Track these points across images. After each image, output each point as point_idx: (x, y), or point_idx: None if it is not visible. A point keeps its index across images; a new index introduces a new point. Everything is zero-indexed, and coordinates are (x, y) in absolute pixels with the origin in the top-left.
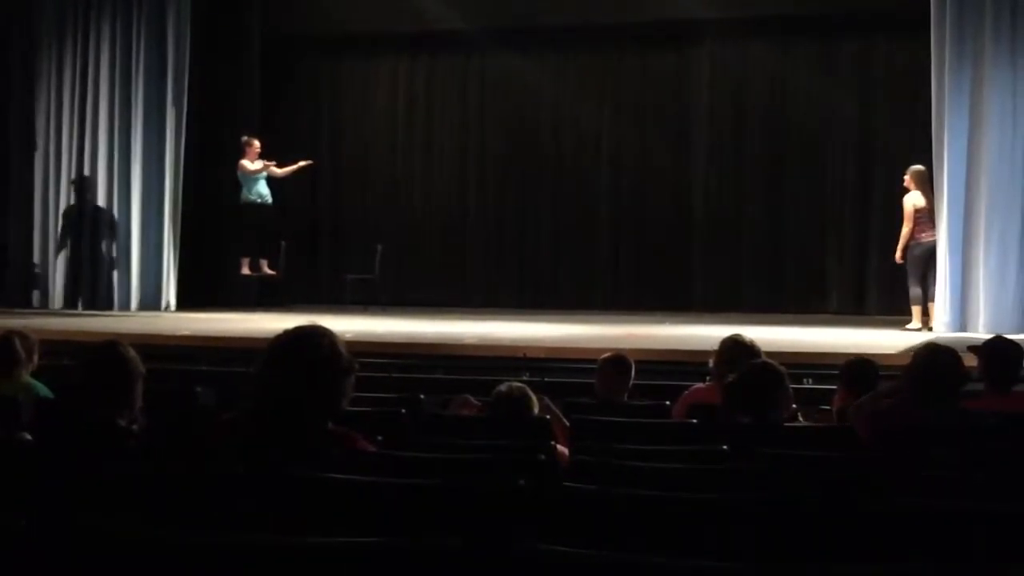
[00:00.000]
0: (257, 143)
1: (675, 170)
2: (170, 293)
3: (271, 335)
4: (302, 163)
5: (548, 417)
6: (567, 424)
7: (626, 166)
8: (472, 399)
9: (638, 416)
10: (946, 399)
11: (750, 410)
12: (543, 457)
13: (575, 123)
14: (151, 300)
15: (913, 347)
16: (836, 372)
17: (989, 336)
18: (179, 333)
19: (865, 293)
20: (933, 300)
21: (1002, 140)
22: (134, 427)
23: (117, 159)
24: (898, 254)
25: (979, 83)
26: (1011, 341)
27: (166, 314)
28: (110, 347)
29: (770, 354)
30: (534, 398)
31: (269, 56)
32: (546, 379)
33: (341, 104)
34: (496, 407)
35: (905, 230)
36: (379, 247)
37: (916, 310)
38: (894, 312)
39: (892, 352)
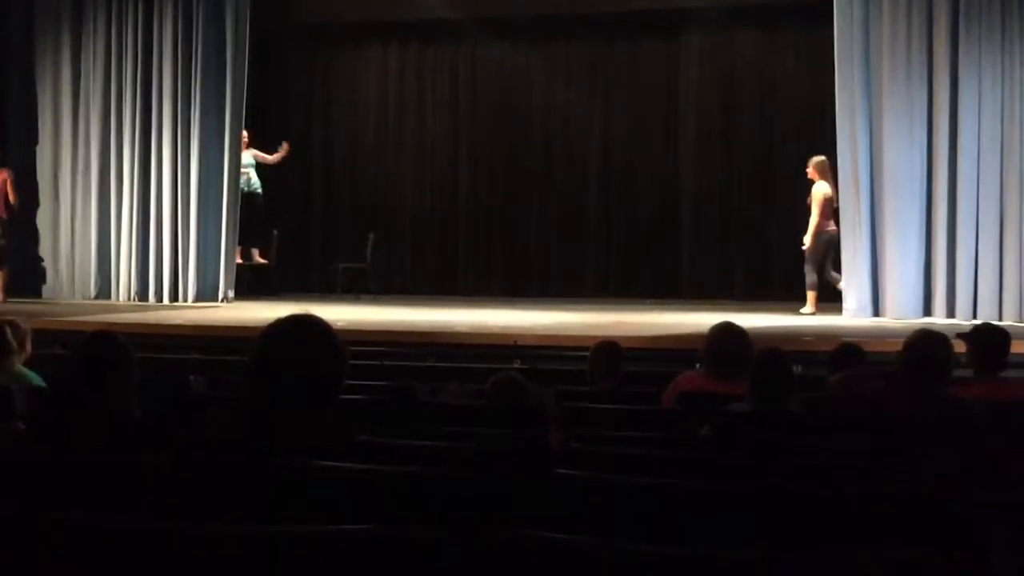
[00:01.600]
0: (245, 133)
1: (664, 158)
2: (229, 284)
3: (262, 324)
4: (285, 145)
5: (540, 405)
6: (559, 412)
7: (616, 154)
8: (464, 387)
9: (629, 403)
10: (935, 385)
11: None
12: (535, 445)
13: (565, 112)
14: (209, 292)
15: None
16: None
17: (899, 319)
18: (171, 322)
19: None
20: (839, 283)
21: (906, 127)
22: (128, 416)
23: (180, 151)
24: (807, 241)
25: (880, 71)
26: (998, 328)
27: (222, 305)
28: (102, 336)
29: (761, 343)
30: (526, 386)
31: (259, 46)
32: (538, 367)
33: (332, 93)
34: (489, 395)
35: (815, 218)
36: (371, 236)
37: (812, 296)
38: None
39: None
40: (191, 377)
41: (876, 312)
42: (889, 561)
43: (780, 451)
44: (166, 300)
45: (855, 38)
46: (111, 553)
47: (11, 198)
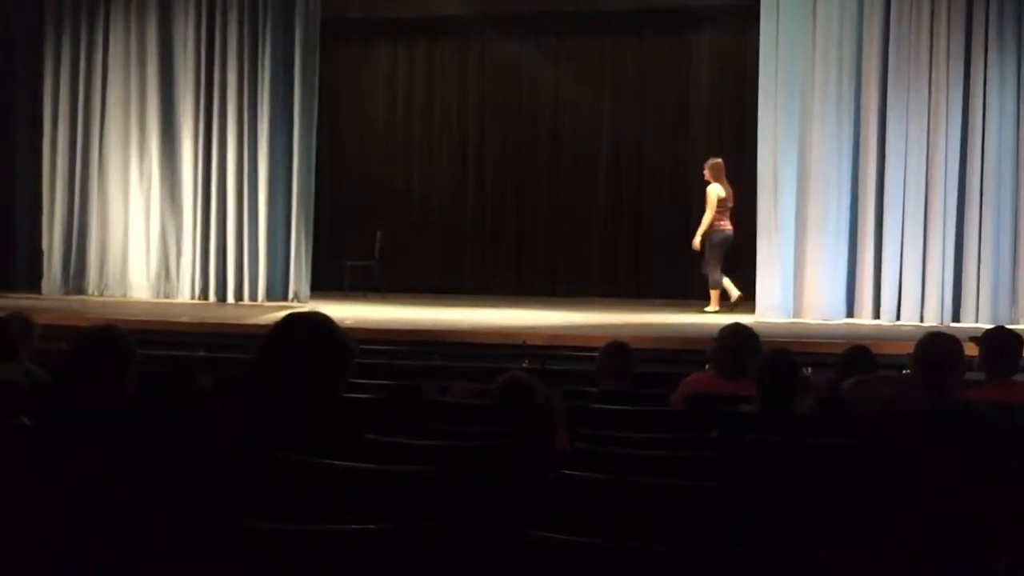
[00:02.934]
0: None
1: (674, 157)
2: (300, 283)
3: (268, 322)
4: None
5: (546, 405)
6: (565, 412)
7: (625, 153)
8: (470, 386)
9: (637, 404)
10: (945, 386)
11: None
12: (541, 445)
13: (574, 110)
14: (279, 291)
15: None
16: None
17: (835, 320)
18: (177, 319)
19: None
20: (725, 279)
21: (832, 129)
22: (126, 410)
23: (247, 147)
24: (696, 240)
25: (809, 73)
26: (1011, 331)
27: (293, 304)
28: (102, 331)
29: (769, 344)
30: (534, 385)
31: None
32: (545, 366)
33: (340, 91)
34: (495, 395)
35: (707, 218)
36: (378, 234)
37: (715, 294)
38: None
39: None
40: (197, 374)
41: (794, 312)
42: (895, 561)
43: (788, 452)
44: (230, 299)
45: (781, 42)
46: (114, 548)
47: None
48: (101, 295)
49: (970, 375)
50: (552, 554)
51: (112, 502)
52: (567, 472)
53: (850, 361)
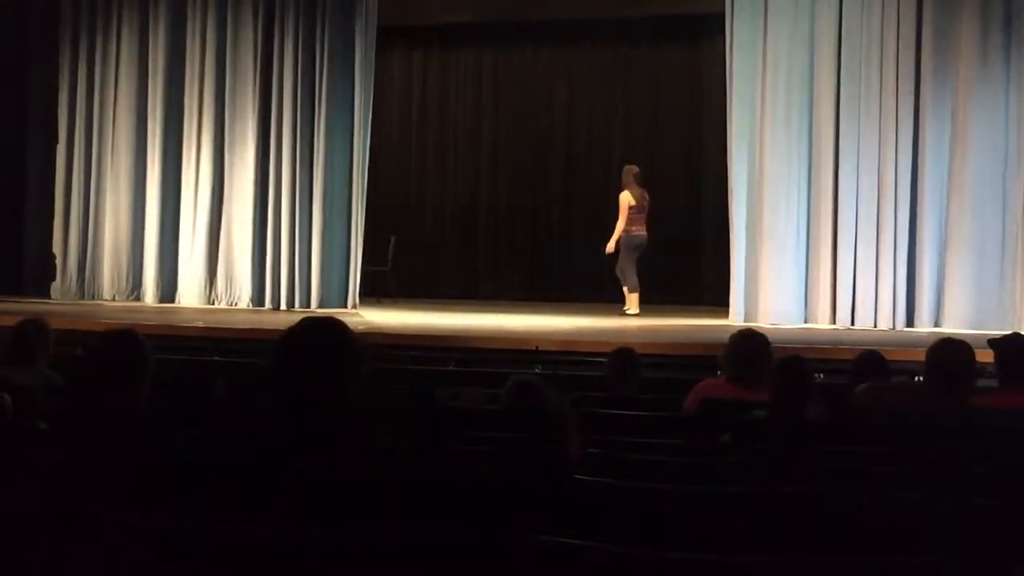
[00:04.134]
0: None
1: (687, 164)
2: (358, 291)
3: (281, 327)
4: None
5: (558, 410)
6: (577, 417)
7: (638, 159)
8: (482, 391)
9: (649, 409)
10: (957, 392)
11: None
12: (553, 450)
13: (588, 117)
14: (335, 299)
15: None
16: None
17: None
18: (192, 324)
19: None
20: (624, 285)
21: (783, 140)
22: (141, 414)
23: (299, 157)
24: (610, 245)
25: (763, 85)
26: None
27: (350, 312)
28: (118, 335)
29: (780, 350)
30: (545, 390)
31: None
32: (558, 372)
33: None
34: (508, 400)
35: (619, 224)
36: (392, 239)
37: (634, 297)
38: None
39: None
40: (214, 379)
41: (748, 317)
42: (907, 569)
43: (799, 459)
44: (283, 306)
45: (744, 56)
46: (129, 551)
47: None
48: (112, 300)
49: (984, 382)
50: (565, 560)
51: (127, 506)
52: (580, 477)
53: (863, 367)
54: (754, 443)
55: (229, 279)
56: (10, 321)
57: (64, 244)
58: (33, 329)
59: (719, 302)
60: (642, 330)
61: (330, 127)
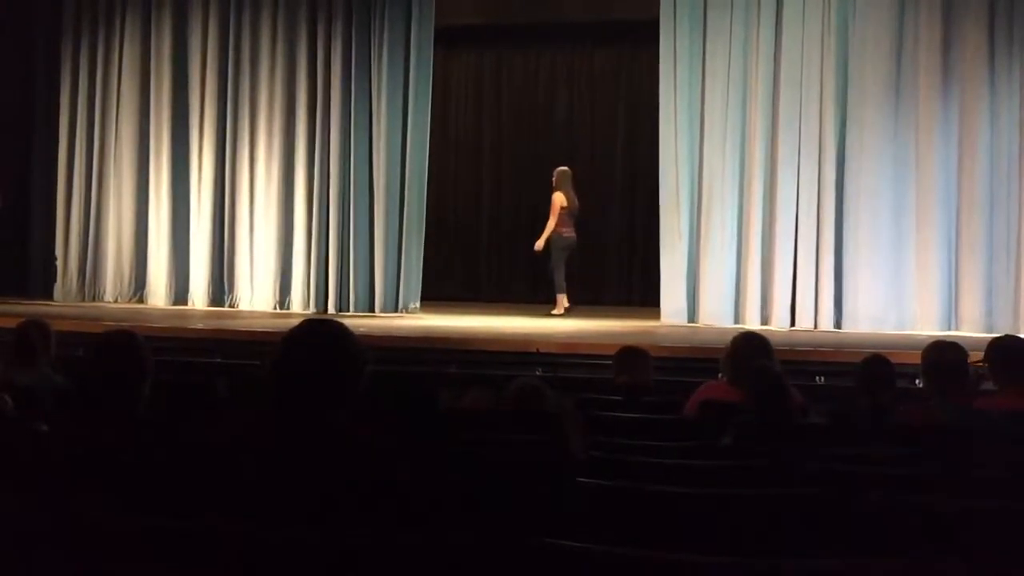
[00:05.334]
0: None
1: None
2: (410, 293)
3: (283, 329)
4: None
5: (560, 412)
6: (579, 419)
7: (639, 162)
8: (484, 393)
9: (651, 412)
10: (953, 394)
11: (767, 411)
12: (554, 452)
13: (590, 120)
14: (388, 303)
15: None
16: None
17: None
18: (193, 326)
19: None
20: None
21: (722, 137)
22: (139, 415)
23: (354, 157)
24: (539, 244)
25: (701, 85)
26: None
27: (403, 316)
28: (119, 337)
29: (783, 352)
30: (547, 393)
31: None
32: (559, 374)
33: None
34: (510, 402)
35: (550, 224)
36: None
37: (561, 297)
38: None
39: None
40: (216, 381)
41: (692, 318)
42: (906, 572)
43: (800, 462)
44: (331, 309)
45: (679, 59)
46: (130, 552)
47: None
48: (115, 301)
49: (985, 385)
50: (567, 562)
51: (128, 507)
52: (582, 480)
53: (868, 371)
54: (754, 446)
55: (242, 281)
56: (13, 323)
57: (66, 246)
58: (34, 331)
59: (649, 303)
60: (641, 333)
61: (389, 129)
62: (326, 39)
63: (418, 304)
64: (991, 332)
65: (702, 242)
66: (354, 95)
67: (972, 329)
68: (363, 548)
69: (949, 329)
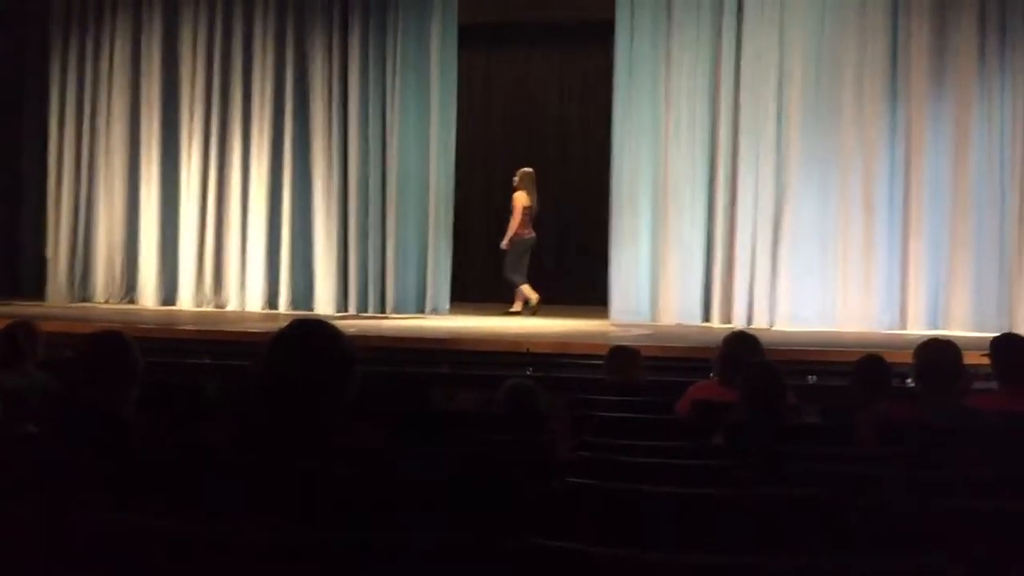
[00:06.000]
0: None
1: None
2: (439, 295)
3: (272, 330)
4: None
5: (551, 412)
6: (570, 419)
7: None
8: (476, 394)
9: (641, 411)
10: (946, 392)
11: (762, 410)
12: (545, 452)
13: (582, 119)
14: (412, 303)
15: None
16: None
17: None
18: (181, 327)
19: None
20: (525, 284)
21: (688, 143)
22: (127, 416)
23: (371, 155)
24: (504, 242)
25: (662, 84)
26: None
27: (428, 317)
28: (107, 337)
29: (773, 352)
30: (538, 393)
31: None
32: (550, 374)
33: None
34: (500, 402)
35: (513, 223)
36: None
37: (519, 293)
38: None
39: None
40: (205, 382)
41: (652, 317)
42: (901, 572)
43: (791, 461)
44: (351, 310)
45: (636, 56)
46: (117, 553)
47: None
48: (106, 302)
49: (981, 384)
50: (556, 562)
51: (117, 508)
52: (571, 480)
53: (863, 370)
54: (745, 445)
55: (232, 282)
56: (1, 324)
57: (56, 246)
58: (21, 332)
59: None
60: (630, 335)
61: (403, 124)
62: (342, 37)
63: (447, 306)
64: (981, 331)
65: (658, 242)
66: (370, 93)
67: (961, 328)
68: (353, 548)
69: (936, 328)
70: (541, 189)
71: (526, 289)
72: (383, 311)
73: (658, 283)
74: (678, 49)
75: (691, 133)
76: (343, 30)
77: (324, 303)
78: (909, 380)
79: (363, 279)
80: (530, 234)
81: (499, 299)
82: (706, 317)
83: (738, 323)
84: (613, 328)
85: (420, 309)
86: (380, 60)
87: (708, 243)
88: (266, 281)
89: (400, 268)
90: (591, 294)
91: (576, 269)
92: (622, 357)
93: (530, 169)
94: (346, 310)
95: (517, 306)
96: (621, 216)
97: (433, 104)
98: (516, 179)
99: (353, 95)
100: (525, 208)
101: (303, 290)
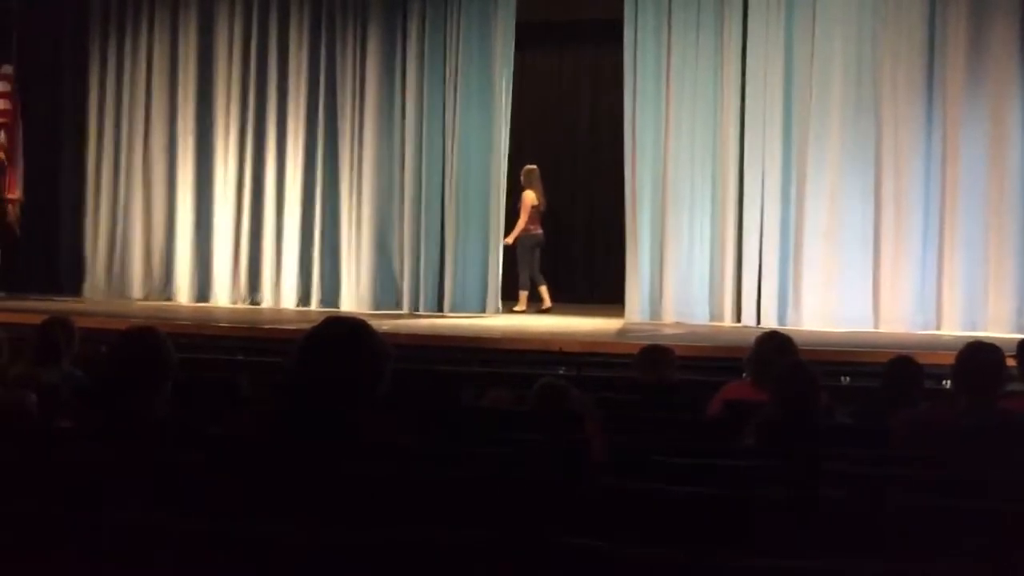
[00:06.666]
0: None
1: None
2: (497, 294)
3: (302, 327)
4: None
5: (582, 411)
6: (601, 419)
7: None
8: (507, 392)
9: (673, 411)
10: (986, 396)
11: (794, 410)
12: (577, 451)
13: (611, 117)
14: (472, 303)
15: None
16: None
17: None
18: (215, 323)
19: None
20: (541, 285)
21: (688, 142)
22: (160, 413)
23: (425, 152)
24: (509, 239)
25: (666, 84)
26: None
27: (486, 316)
28: (141, 333)
29: (807, 352)
30: (569, 392)
31: None
32: (582, 373)
33: None
34: (532, 401)
35: (521, 221)
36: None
37: (523, 295)
38: None
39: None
40: (239, 379)
41: (656, 314)
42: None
43: (825, 462)
44: (405, 308)
45: (641, 59)
46: (149, 550)
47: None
48: (144, 299)
49: (1015, 386)
50: (587, 561)
51: (152, 505)
52: (603, 479)
53: (894, 372)
54: (777, 446)
55: (268, 279)
56: (41, 320)
57: (95, 243)
58: (58, 328)
59: (613, 299)
60: (661, 335)
61: (465, 122)
62: (402, 35)
63: (499, 306)
64: (1020, 332)
65: (667, 240)
66: (424, 89)
67: (1000, 330)
68: (384, 546)
69: (974, 330)
70: (560, 187)
71: (542, 290)
72: (440, 310)
73: (661, 282)
74: (689, 47)
75: (712, 133)
76: (388, 31)
77: (371, 301)
78: (945, 382)
79: (415, 277)
80: (538, 231)
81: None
82: (737, 317)
83: (769, 323)
84: (638, 327)
85: (481, 308)
86: (440, 59)
87: (739, 242)
88: (299, 279)
89: (460, 267)
90: (607, 292)
91: (593, 268)
92: (655, 356)
93: (534, 166)
94: (402, 308)
95: (521, 304)
96: (630, 217)
97: (496, 104)
98: (522, 177)
99: (411, 93)
100: (534, 206)
101: (331, 288)
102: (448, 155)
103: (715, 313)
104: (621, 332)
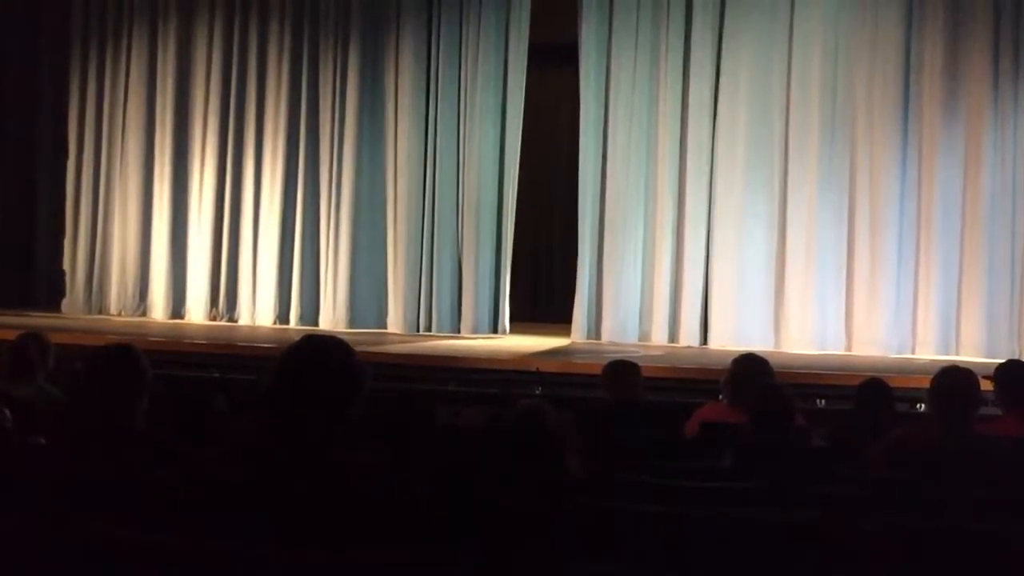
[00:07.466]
0: None
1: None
2: (505, 315)
3: (279, 344)
4: None
5: (560, 432)
6: (578, 439)
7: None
8: (482, 412)
9: (650, 432)
10: (961, 420)
11: (770, 432)
12: (553, 472)
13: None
14: (484, 323)
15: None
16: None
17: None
18: (191, 340)
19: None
20: None
21: (631, 156)
22: (135, 429)
23: (437, 166)
24: None
25: (613, 105)
26: None
27: (498, 337)
28: (116, 350)
29: (783, 374)
30: (551, 413)
31: None
32: (558, 393)
33: None
34: (510, 421)
35: None
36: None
37: None
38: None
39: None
40: (214, 395)
41: (596, 335)
42: None
43: (799, 485)
44: (421, 330)
45: (591, 79)
46: (127, 566)
47: None
48: (119, 315)
49: (987, 410)
50: None
51: (124, 523)
52: (579, 500)
53: (866, 394)
54: (754, 468)
55: (245, 295)
56: (14, 336)
57: (73, 259)
58: (32, 344)
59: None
60: (642, 356)
61: (483, 139)
62: (394, 52)
63: (507, 327)
64: (992, 357)
65: (605, 260)
66: (438, 110)
67: (974, 354)
68: (360, 566)
69: (947, 354)
70: (552, 209)
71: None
72: (458, 331)
73: (601, 301)
74: (626, 71)
75: (681, 153)
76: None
77: (348, 320)
78: (920, 405)
79: (429, 298)
80: None
81: (529, 319)
82: (704, 340)
83: (742, 345)
84: (605, 346)
85: (493, 329)
86: (455, 78)
87: (707, 263)
88: (277, 297)
89: (476, 287)
90: (552, 312)
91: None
92: (620, 372)
93: None
94: (417, 330)
95: None
96: (583, 235)
97: (509, 122)
98: None
99: (394, 113)
100: None
101: (310, 306)
102: (438, 174)
103: (703, 337)
104: (555, 352)
